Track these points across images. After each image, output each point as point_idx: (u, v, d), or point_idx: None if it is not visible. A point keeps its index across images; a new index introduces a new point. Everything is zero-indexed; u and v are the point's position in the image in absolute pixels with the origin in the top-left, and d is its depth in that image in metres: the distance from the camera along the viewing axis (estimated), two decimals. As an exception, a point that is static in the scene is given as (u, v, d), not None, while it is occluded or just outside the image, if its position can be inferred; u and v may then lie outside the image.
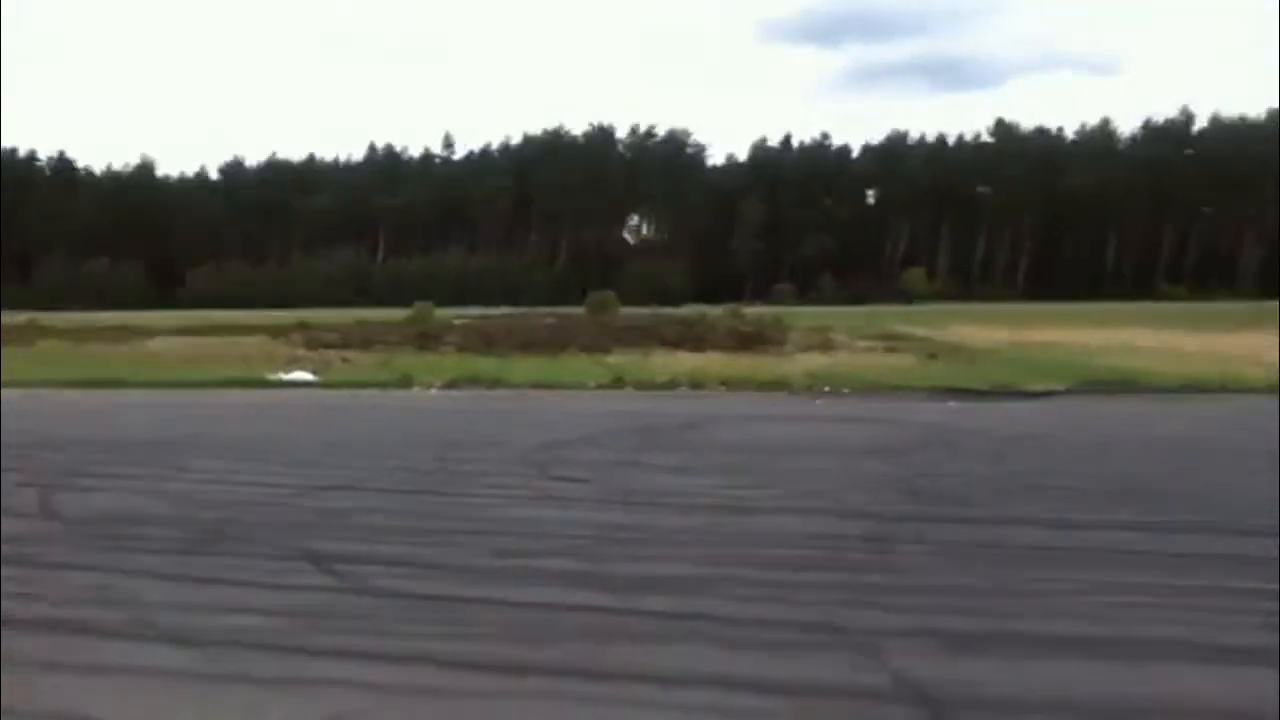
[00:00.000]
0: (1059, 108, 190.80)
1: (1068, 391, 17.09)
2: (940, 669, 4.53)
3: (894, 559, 6.55)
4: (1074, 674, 4.48)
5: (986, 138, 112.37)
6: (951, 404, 16.05)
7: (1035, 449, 11.26)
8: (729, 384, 18.71)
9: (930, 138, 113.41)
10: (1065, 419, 14.10)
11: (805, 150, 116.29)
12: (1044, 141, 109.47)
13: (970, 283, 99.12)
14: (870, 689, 4.36)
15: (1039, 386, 17.48)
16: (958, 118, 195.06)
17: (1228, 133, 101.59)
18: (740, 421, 14.14)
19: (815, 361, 22.55)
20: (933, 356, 23.72)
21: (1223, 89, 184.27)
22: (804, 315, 44.22)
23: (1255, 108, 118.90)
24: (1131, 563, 6.37)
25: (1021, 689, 4.32)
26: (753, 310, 36.09)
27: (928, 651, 4.74)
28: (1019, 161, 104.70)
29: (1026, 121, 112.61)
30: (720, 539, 7.16)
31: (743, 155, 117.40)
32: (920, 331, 33.94)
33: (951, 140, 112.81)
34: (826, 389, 17.97)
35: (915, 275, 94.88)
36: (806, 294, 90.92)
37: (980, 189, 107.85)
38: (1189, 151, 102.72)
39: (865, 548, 6.82)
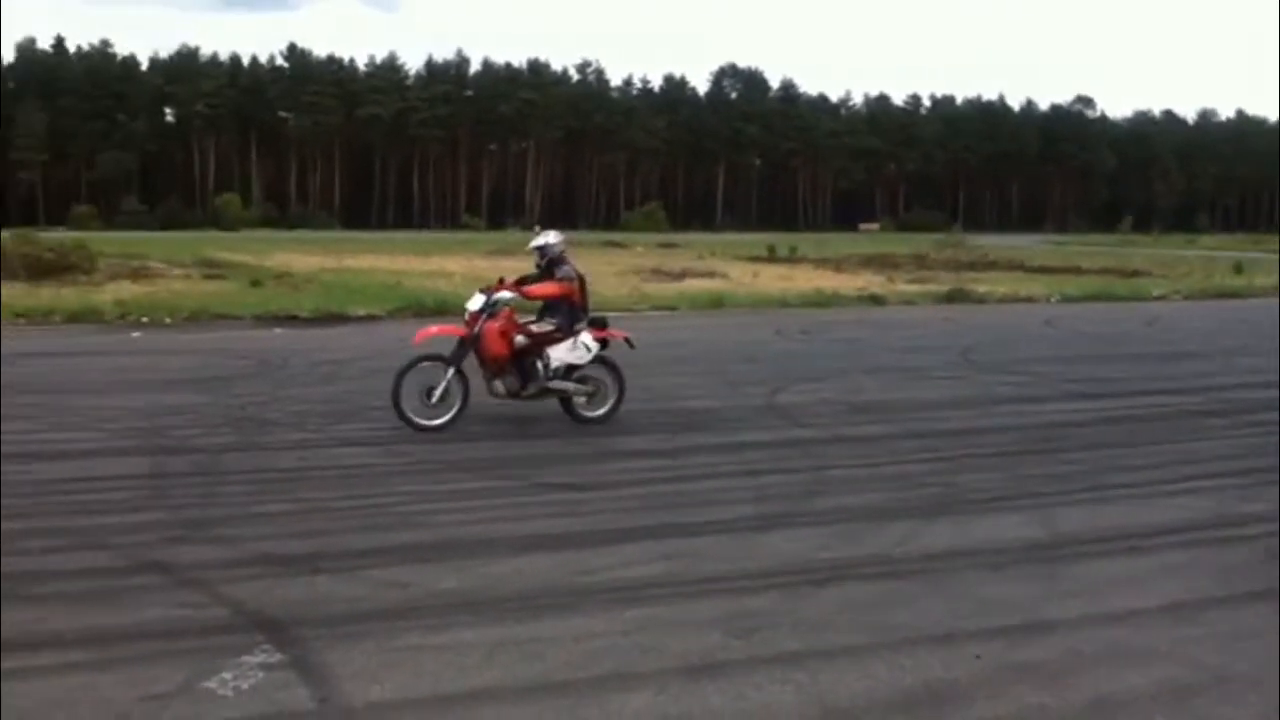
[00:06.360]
0: (347, 37, 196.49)
1: (389, 315, 18.16)
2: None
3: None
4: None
5: (281, 61, 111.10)
6: (278, 330, 16.23)
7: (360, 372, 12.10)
8: (29, 317, 16.78)
9: (224, 56, 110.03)
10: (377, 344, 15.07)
11: (86, 56, 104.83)
12: (338, 71, 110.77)
13: (288, 210, 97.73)
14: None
15: (361, 311, 18.40)
16: (248, 38, 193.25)
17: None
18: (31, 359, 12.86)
19: (129, 291, 21.02)
20: (256, 284, 23.50)
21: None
22: (112, 240, 40.32)
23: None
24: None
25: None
26: (51, 235, 31.54)
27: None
28: (314, 88, 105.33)
29: (319, 49, 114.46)
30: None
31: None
32: (241, 258, 33.13)
33: (246, 61, 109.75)
34: (145, 320, 17.03)
35: (231, 200, 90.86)
36: (110, 217, 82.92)
37: (283, 114, 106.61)
38: (469, 92, 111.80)
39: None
